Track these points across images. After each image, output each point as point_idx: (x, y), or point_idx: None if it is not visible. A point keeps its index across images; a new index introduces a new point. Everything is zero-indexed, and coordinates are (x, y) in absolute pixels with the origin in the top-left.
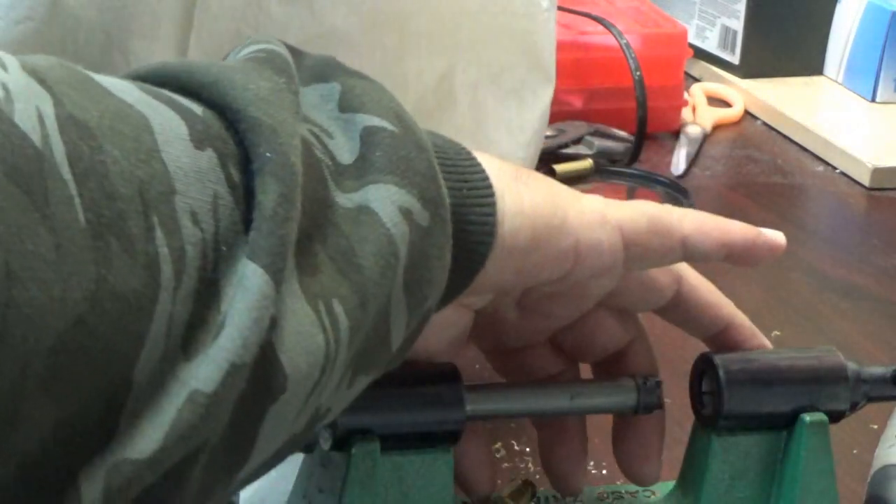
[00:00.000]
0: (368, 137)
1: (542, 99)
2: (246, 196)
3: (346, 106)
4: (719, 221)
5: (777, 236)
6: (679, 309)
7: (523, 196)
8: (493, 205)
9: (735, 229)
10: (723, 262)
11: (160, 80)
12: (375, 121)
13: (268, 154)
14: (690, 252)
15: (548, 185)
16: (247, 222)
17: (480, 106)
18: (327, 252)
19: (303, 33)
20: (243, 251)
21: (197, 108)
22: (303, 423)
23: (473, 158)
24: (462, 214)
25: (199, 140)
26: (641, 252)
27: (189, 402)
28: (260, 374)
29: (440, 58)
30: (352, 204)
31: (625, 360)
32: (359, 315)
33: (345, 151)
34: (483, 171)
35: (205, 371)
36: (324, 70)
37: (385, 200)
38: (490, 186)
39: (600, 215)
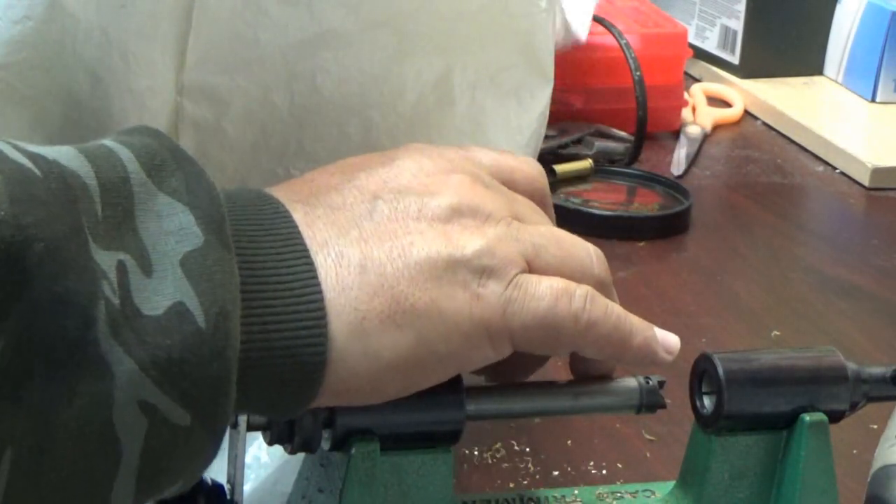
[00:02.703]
0: (172, 315)
1: (540, 99)
2: None
3: (191, 264)
4: (621, 336)
5: (672, 345)
6: None
7: (392, 346)
8: (312, 394)
9: (631, 349)
10: None
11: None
12: (191, 302)
13: None
14: (580, 353)
15: (429, 318)
16: None
17: (479, 106)
18: (42, 393)
19: (302, 34)
20: None
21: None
22: None
23: (321, 326)
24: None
25: None
26: (530, 350)
27: None
28: None
29: (439, 58)
30: (111, 359)
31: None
32: (28, 476)
33: (152, 300)
34: (323, 355)
35: None
36: (222, 219)
37: (126, 387)
38: (319, 380)
39: (484, 332)
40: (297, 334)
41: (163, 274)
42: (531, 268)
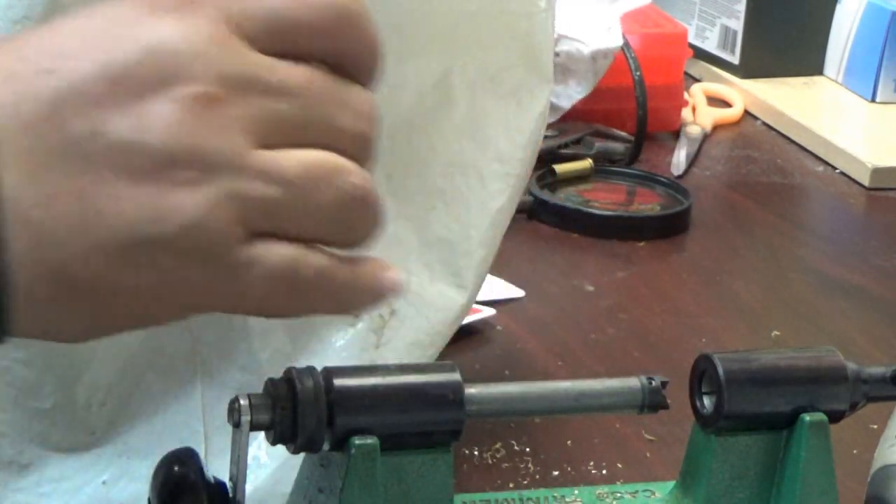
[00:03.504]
0: None
1: (539, 99)
2: None
3: None
4: (336, 308)
5: (392, 286)
6: None
7: (60, 325)
8: None
9: (347, 314)
10: None
11: None
12: None
13: None
14: None
15: (103, 302)
16: None
17: (479, 106)
18: None
19: None
20: None
21: None
22: None
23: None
24: None
25: None
26: None
27: None
28: None
29: (439, 58)
30: None
31: None
32: None
33: None
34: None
35: None
36: None
37: None
38: None
39: (178, 310)
40: None
41: None
42: (257, 229)
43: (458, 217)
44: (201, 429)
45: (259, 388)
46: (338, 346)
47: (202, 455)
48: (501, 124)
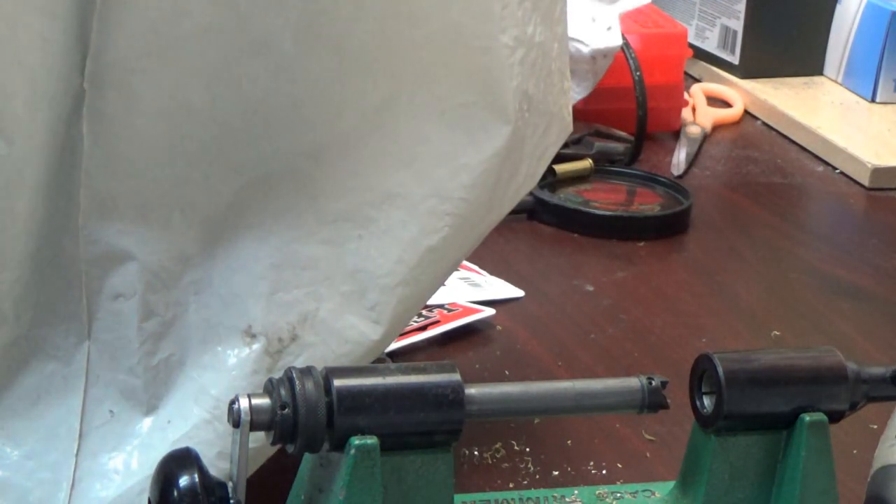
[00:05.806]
0: None
1: (495, 140)
2: None
3: None
4: None
5: None
6: None
7: None
8: None
9: None
10: None
11: None
12: None
13: None
14: None
15: None
16: None
17: (423, 138)
18: None
19: (229, 41)
20: None
21: None
22: None
23: None
24: None
25: None
26: None
27: None
28: None
29: (384, 83)
30: None
31: None
32: None
33: None
34: None
35: None
36: None
37: None
38: None
39: None
40: None
41: None
42: None
43: (384, 250)
44: (77, 427)
45: (142, 395)
46: (230, 364)
47: (73, 454)
48: (446, 159)
